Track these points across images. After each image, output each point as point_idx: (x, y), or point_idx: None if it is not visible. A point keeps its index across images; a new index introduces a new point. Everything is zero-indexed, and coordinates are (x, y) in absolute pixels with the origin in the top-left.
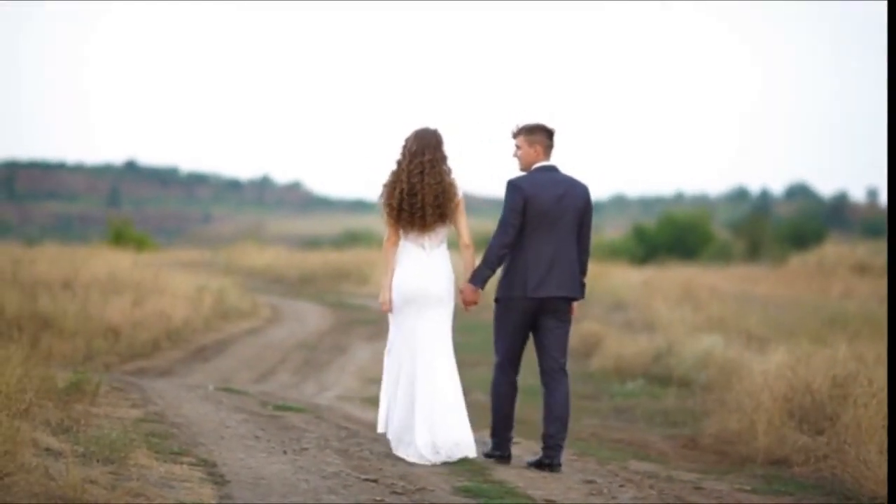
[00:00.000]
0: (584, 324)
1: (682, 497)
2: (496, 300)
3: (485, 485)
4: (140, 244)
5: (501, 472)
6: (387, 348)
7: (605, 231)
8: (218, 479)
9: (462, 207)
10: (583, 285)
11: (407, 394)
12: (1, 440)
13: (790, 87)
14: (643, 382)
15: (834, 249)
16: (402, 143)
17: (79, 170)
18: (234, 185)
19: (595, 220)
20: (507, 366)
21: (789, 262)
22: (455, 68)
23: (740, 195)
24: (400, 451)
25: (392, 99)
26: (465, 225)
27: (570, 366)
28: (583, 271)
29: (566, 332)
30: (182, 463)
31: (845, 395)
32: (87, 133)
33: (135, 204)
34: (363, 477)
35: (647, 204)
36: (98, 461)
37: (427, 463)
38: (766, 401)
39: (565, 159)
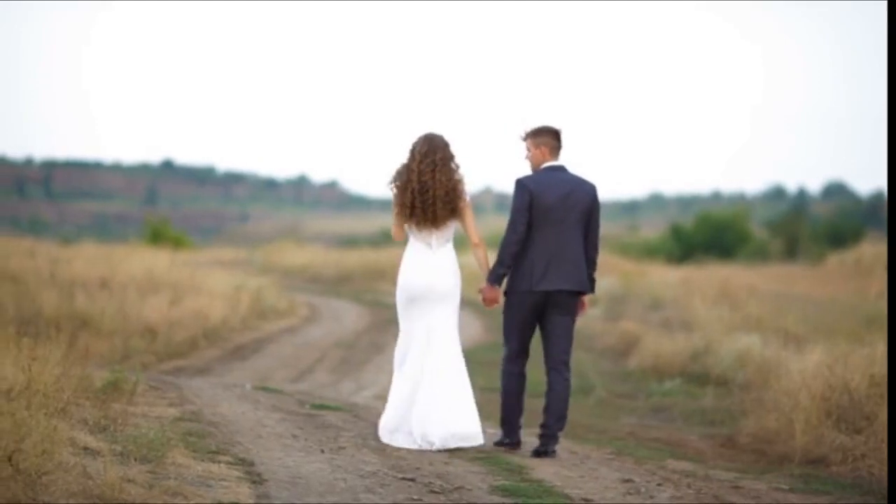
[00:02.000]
0: (622, 323)
1: (719, 496)
2: (505, 294)
3: (522, 484)
4: (177, 243)
5: (539, 471)
6: (397, 343)
7: (642, 230)
8: (255, 478)
9: (469, 207)
10: (592, 280)
11: (410, 386)
12: (39, 439)
13: (829, 86)
14: (681, 381)
15: (871, 248)
16: (410, 146)
17: (116, 169)
18: (271, 185)
19: (632, 219)
20: (516, 357)
21: (827, 261)
22: (490, 69)
23: (778, 194)
24: (395, 441)
25: (428, 98)
26: (473, 224)
27: (608, 365)
28: (592, 266)
29: (570, 327)
30: (219, 462)
31: (883, 395)
32: (124, 132)
33: (172, 203)
34: (400, 476)
35: (684, 203)
36: (135, 460)
37: (422, 448)
38: (803, 400)
39: (603, 158)
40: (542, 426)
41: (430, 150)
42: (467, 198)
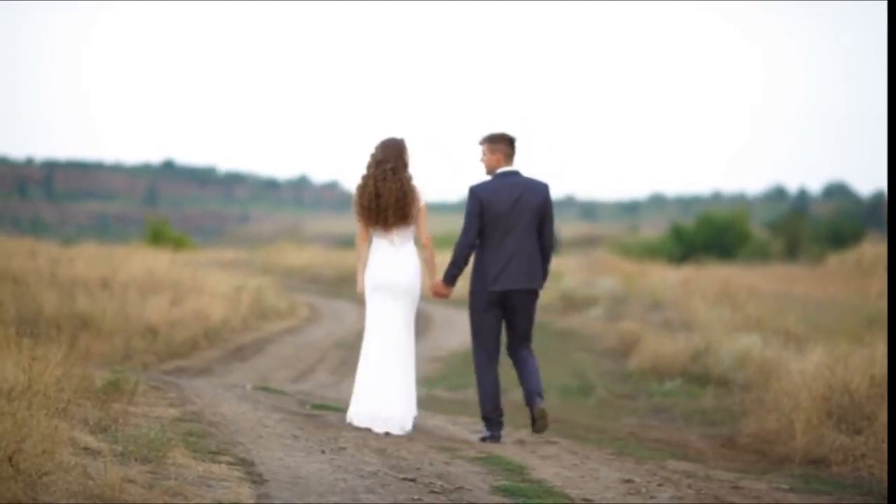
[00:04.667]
0: (622, 323)
1: (720, 496)
2: (469, 294)
3: (523, 484)
4: (178, 244)
5: (539, 472)
6: (365, 333)
7: (642, 230)
8: (256, 479)
9: (424, 211)
10: (545, 273)
11: (373, 371)
12: (39, 439)
13: (829, 86)
14: (681, 382)
15: (872, 249)
16: (372, 150)
17: (117, 169)
18: (271, 185)
19: (633, 220)
20: (485, 353)
21: (827, 261)
22: (491, 70)
23: (778, 194)
24: (358, 422)
25: (428, 99)
26: (425, 226)
27: (609, 365)
28: (546, 260)
29: (530, 318)
30: (220, 462)
31: (883, 395)
32: (124, 133)
33: (172, 203)
34: (401, 476)
35: (684, 203)
36: (136, 460)
37: (372, 431)
38: (804, 400)
39: (604, 159)
40: (528, 405)
41: (383, 159)
42: (421, 202)
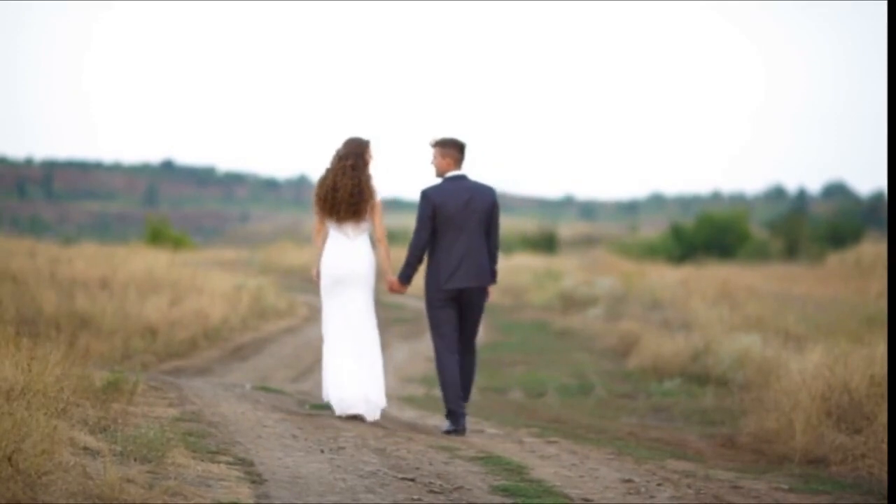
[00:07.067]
0: (622, 323)
1: (719, 496)
2: (425, 291)
3: (522, 484)
4: (177, 243)
5: (539, 471)
6: (323, 322)
7: (642, 230)
8: (255, 478)
9: (379, 208)
10: (494, 272)
11: (342, 358)
12: (39, 439)
13: (829, 86)
14: (681, 381)
15: (872, 248)
16: (337, 146)
17: (116, 169)
18: (271, 185)
19: (633, 220)
20: (445, 348)
21: (827, 261)
22: (491, 69)
23: (778, 194)
24: (339, 411)
25: (428, 99)
26: (381, 224)
27: (608, 365)
28: (493, 261)
29: (478, 316)
30: (219, 462)
31: (883, 395)
32: (124, 132)
33: (172, 203)
34: (400, 476)
35: (684, 203)
36: (135, 460)
37: (343, 415)
38: (803, 400)
39: (603, 158)
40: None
41: (345, 155)
42: (377, 199)
